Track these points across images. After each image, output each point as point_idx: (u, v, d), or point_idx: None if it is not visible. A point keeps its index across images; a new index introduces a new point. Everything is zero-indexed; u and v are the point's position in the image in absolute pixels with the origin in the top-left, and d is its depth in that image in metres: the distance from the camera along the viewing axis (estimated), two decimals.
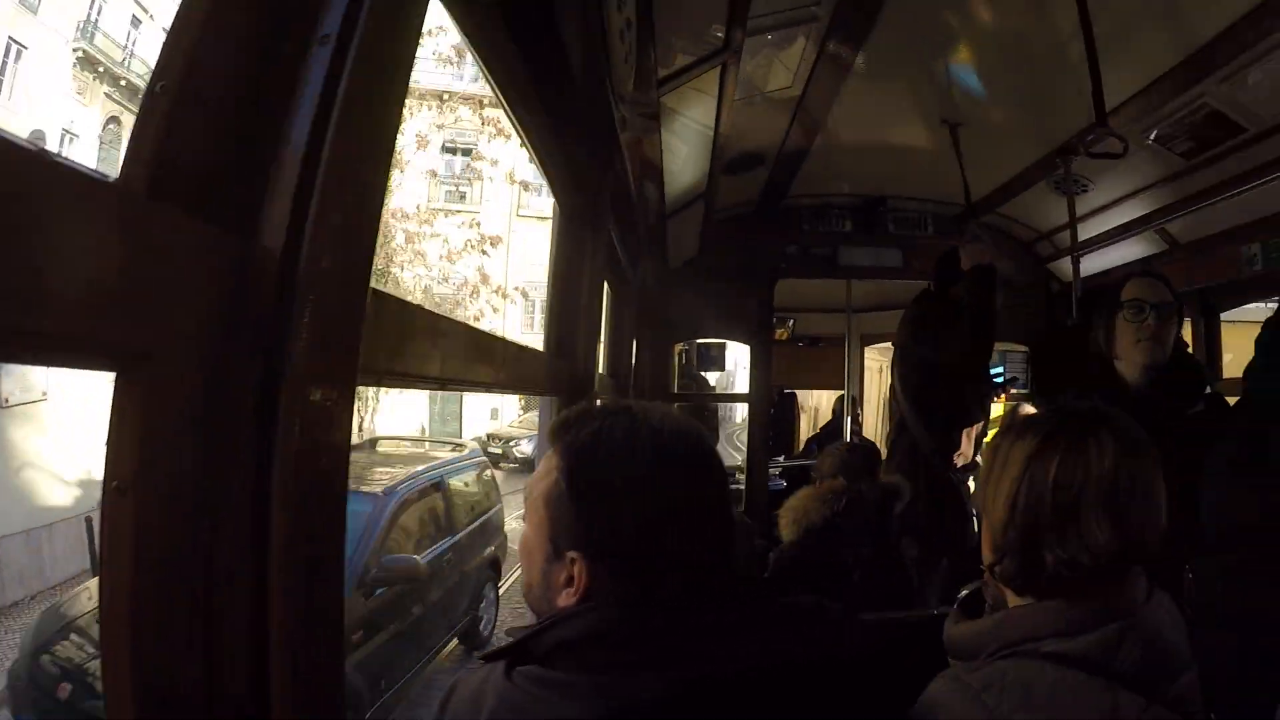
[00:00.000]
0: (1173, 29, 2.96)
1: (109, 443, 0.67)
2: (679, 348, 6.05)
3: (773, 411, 6.00)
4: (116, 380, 0.66)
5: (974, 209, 4.60)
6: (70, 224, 0.56)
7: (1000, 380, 4.67)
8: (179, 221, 0.68)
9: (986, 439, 4.88)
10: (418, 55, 0.96)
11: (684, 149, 3.33)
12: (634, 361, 4.99)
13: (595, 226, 2.40)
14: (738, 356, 6.30)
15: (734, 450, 11.02)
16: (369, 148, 0.86)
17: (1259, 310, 4.30)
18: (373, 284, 0.90)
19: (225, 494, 0.73)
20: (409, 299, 1.19)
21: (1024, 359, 6.14)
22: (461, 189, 22.48)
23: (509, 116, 1.85)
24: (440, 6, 1.31)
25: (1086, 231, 4.76)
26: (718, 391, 7.08)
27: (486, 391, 1.64)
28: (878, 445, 4.31)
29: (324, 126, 0.78)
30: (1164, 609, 1.31)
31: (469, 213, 19.32)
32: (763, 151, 4.34)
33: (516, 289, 19.08)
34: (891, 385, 4.37)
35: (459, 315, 15.78)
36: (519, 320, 22.28)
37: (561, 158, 2.22)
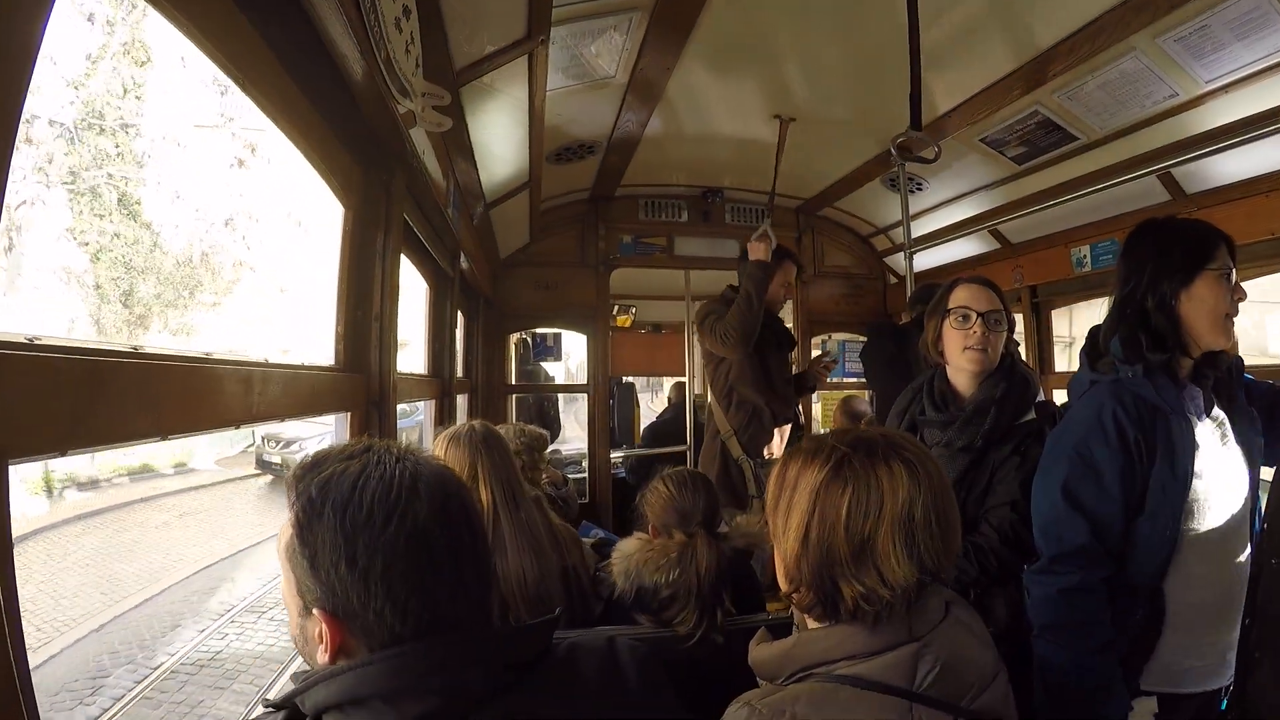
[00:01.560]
0: (1010, 39, 3.04)
1: None
2: (515, 338, 5.94)
3: (612, 402, 5.96)
4: None
5: (791, 205, 4.70)
6: None
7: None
8: None
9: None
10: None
11: (502, 138, 3.20)
12: (466, 356, 4.86)
13: (388, 227, 2.25)
14: (577, 346, 6.22)
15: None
16: None
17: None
18: None
19: None
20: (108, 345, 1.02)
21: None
22: None
23: (270, 116, 1.67)
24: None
25: (922, 228, 4.94)
26: (558, 382, 6.98)
27: (242, 426, 1.48)
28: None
29: None
30: (963, 626, 1.31)
31: None
32: (592, 140, 4.27)
33: None
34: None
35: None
36: None
37: (341, 159, 2.06)
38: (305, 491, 1.02)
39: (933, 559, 1.23)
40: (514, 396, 5.83)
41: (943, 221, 4.84)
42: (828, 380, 5.91)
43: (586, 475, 5.75)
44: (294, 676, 1.05)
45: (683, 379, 6.42)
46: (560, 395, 7.12)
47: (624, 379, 7.41)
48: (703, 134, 4.45)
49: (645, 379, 8.40)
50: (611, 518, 5.44)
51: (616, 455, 6.44)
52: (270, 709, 1.07)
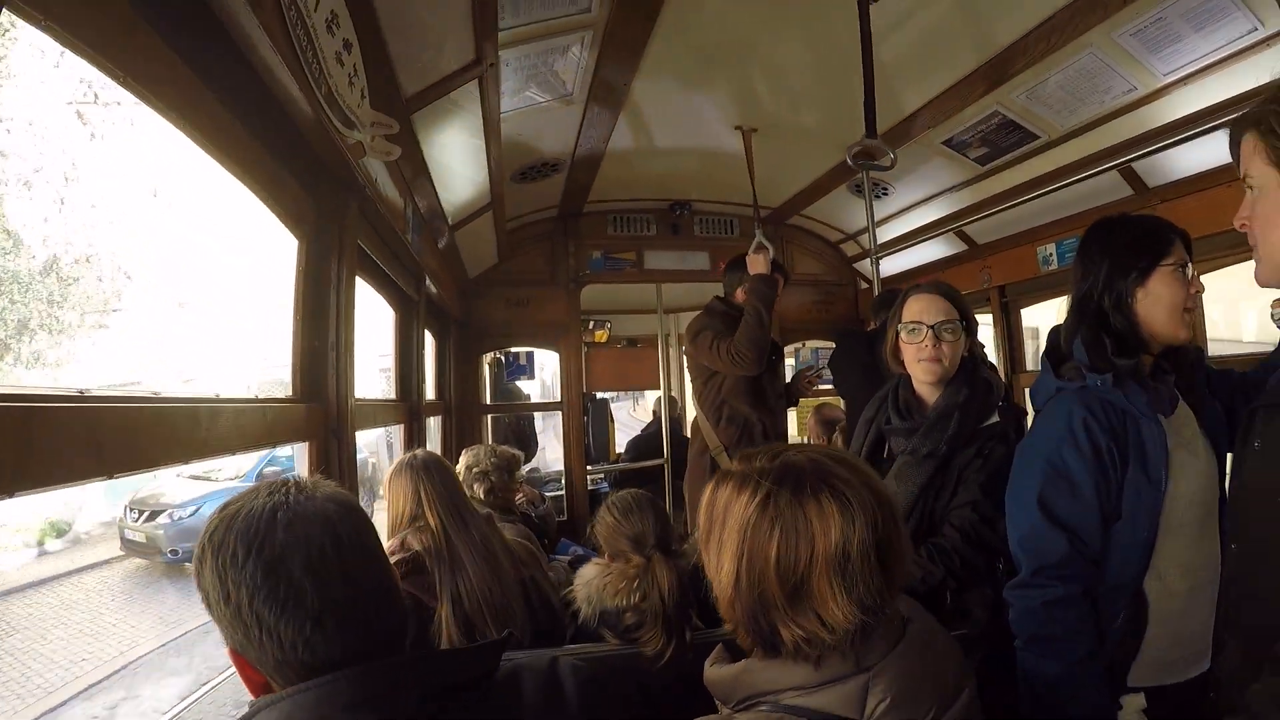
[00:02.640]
0: (968, 41, 3.08)
1: None
2: (488, 358, 5.94)
3: (586, 418, 5.98)
4: None
5: (761, 215, 4.74)
6: None
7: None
8: None
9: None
10: None
11: (460, 162, 3.22)
12: (438, 378, 4.86)
13: (342, 256, 2.26)
14: (551, 364, 6.24)
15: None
16: None
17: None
18: None
19: None
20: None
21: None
22: None
23: (215, 157, 1.69)
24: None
25: (890, 232, 4.99)
26: (533, 400, 6.98)
27: (193, 461, 1.50)
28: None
29: None
30: (921, 643, 1.28)
31: None
32: (556, 158, 4.30)
33: None
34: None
35: None
36: None
37: (290, 192, 2.07)
38: (199, 540, 1.07)
39: (874, 596, 1.18)
40: (489, 416, 5.84)
41: (910, 225, 4.89)
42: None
43: (563, 492, 5.76)
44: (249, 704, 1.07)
45: (658, 392, 6.45)
46: (538, 413, 7.11)
47: (597, 395, 7.43)
48: (667, 147, 4.48)
49: (625, 391, 8.39)
50: (590, 535, 5.43)
51: (595, 472, 6.45)
52: None
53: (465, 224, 3.93)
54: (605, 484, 6.57)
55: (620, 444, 7.60)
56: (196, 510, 12.01)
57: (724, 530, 1.24)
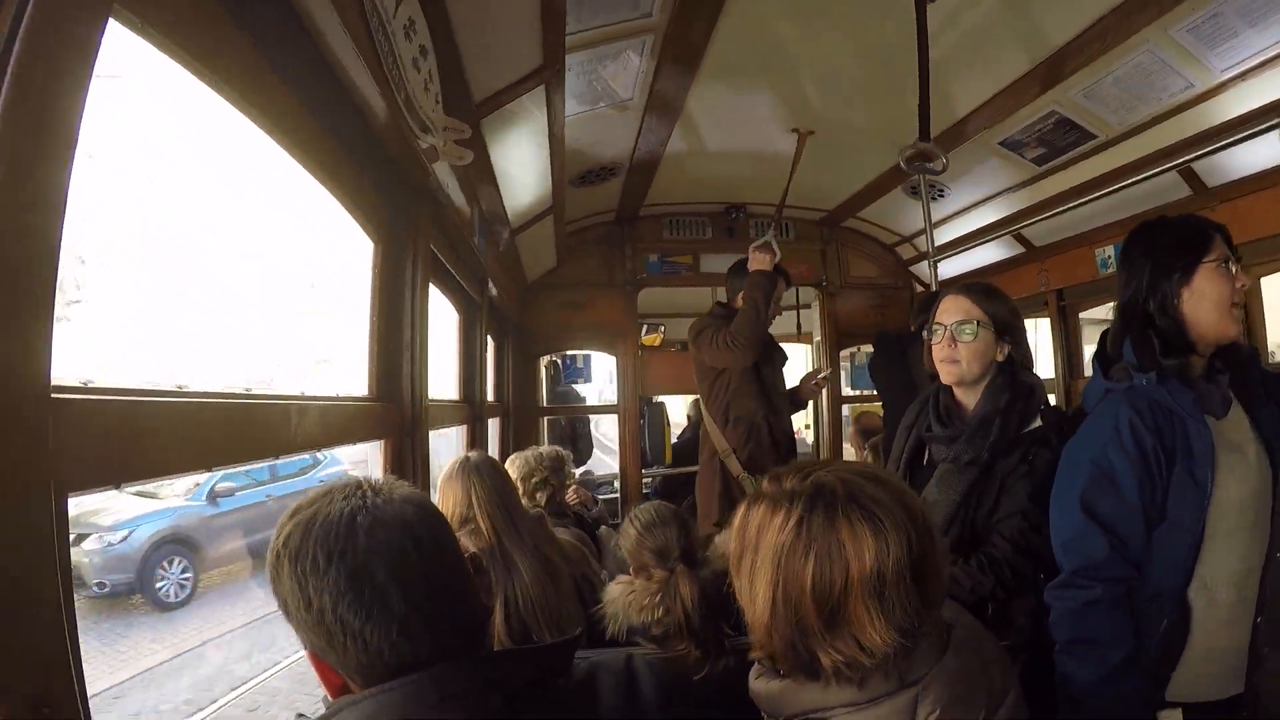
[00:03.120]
0: (1022, 40, 3.04)
1: None
2: (545, 361, 5.99)
3: (643, 422, 5.99)
4: None
5: (781, 214, 4.91)
6: None
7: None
8: None
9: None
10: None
11: (524, 166, 3.27)
12: (496, 380, 4.91)
13: (417, 257, 2.31)
14: (608, 367, 6.28)
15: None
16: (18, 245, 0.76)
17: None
18: None
19: None
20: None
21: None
22: None
23: (300, 161, 1.74)
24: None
25: (946, 235, 4.90)
26: (589, 403, 7.03)
27: (283, 456, 1.55)
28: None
29: None
30: (968, 651, 1.27)
31: None
32: (614, 162, 4.33)
33: None
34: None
35: None
36: None
37: (369, 193, 2.13)
38: (272, 546, 1.07)
39: (911, 618, 1.16)
40: (546, 419, 5.89)
41: (966, 227, 4.82)
42: (838, 391, 5.97)
43: (618, 495, 5.78)
44: (326, 702, 1.09)
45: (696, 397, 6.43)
46: (591, 416, 7.14)
47: (654, 398, 7.45)
48: (723, 151, 4.49)
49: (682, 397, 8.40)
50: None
51: (648, 475, 6.45)
52: None
53: (526, 228, 3.98)
54: (651, 491, 6.55)
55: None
56: (129, 534, 9.94)
57: (757, 556, 1.23)
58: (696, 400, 6.53)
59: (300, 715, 1.16)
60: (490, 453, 2.79)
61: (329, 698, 1.10)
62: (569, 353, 6.59)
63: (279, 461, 9.91)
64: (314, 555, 1.03)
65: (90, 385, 1.01)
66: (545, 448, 3.67)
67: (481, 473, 2.51)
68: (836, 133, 4.13)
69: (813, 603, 1.16)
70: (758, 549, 1.23)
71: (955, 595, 2.09)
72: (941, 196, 4.66)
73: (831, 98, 3.80)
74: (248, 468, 10.08)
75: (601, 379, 6.85)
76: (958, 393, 2.41)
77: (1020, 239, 4.69)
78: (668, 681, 1.21)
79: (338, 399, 1.95)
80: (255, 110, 1.47)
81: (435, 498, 2.61)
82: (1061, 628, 1.90)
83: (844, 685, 1.19)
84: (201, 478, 10.47)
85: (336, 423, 1.83)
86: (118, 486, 1.03)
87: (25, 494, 0.78)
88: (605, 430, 5.90)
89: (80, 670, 0.93)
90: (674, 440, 7.39)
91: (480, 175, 2.88)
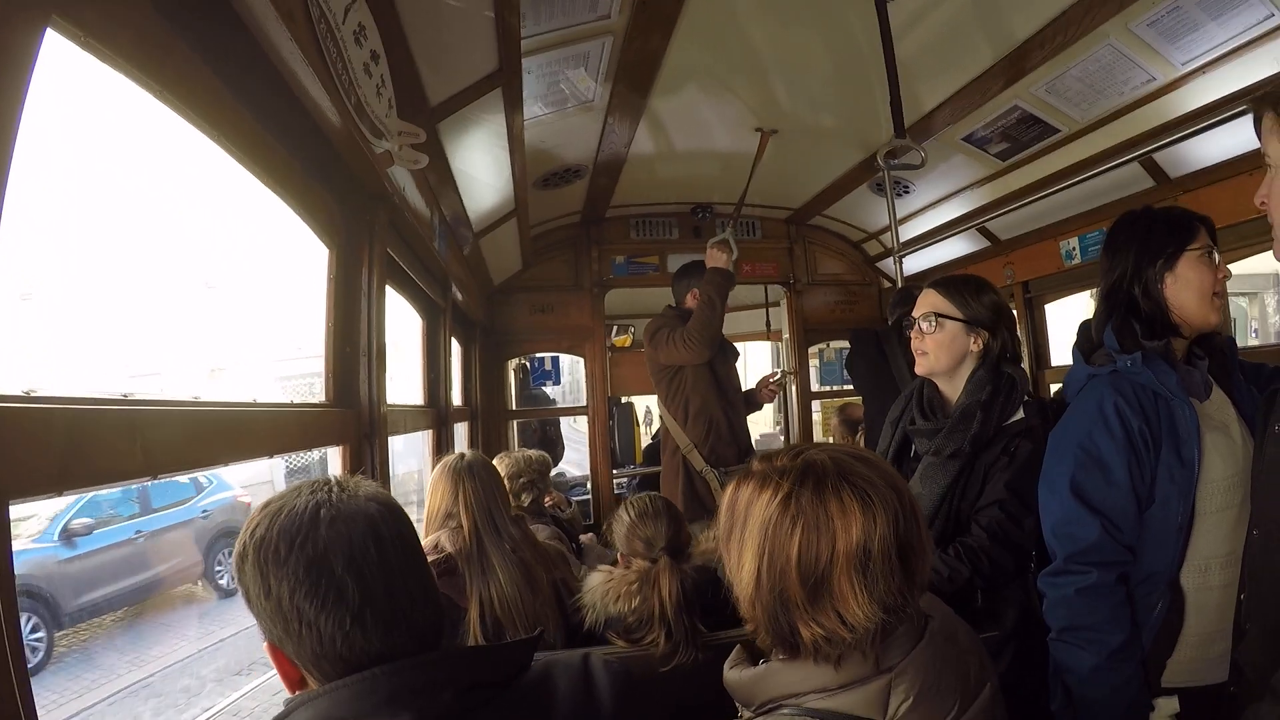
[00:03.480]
0: (985, 36, 3.08)
1: None
2: (513, 364, 5.99)
3: (612, 423, 6.02)
4: None
5: (739, 212, 4.90)
6: None
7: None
8: None
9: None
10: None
11: (484, 170, 3.26)
12: (464, 383, 4.91)
13: (372, 262, 2.31)
14: (577, 368, 6.29)
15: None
16: None
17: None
18: None
19: None
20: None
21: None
22: None
23: (249, 169, 1.73)
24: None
25: (912, 230, 4.97)
26: (559, 405, 7.03)
27: (239, 461, 1.55)
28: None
29: None
30: (943, 640, 1.27)
31: None
32: (579, 164, 4.34)
33: None
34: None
35: None
36: None
37: (321, 202, 2.12)
38: (240, 538, 1.10)
39: (895, 595, 1.17)
40: (515, 422, 5.89)
41: (932, 223, 4.87)
42: (818, 388, 6.00)
43: (590, 497, 5.80)
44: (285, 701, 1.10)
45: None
46: (562, 418, 7.14)
47: (622, 399, 7.45)
48: (688, 151, 4.51)
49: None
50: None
51: (619, 475, 6.47)
52: None
53: (489, 231, 3.97)
54: (626, 490, 6.59)
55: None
56: None
57: (745, 530, 1.24)
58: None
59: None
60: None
61: (288, 692, 1.12)
62: (537, 355, 6.58)
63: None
64: (276, 545, 1.06)
65: (32, 394, 1.01)
66: (533, 451, 3.71)
67: (474, 473, 2.53)
68: (801, 131, 4.17)
69: (797, 575, 1.17)
70: (746, 523, 1.24)
71: (934, 585, 2.09)
72: (907, 193, 4.71)
73: (795, 97, 3.83)
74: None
75: (571, 381, 6.86)
76: (941, 386, 2.48)
77: (985, 233, 4.75)
78: (624, 681, 1.22)
79: (290, 406, 1.95)
80: (199, 117, 1.46)
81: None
82: (1056, 614, 1.92)
83: (821, 664, 1.20)
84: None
85: (289, 429, 1.83)
86: (59, 493, 1.03)
87: None
88: (579, 425, 5.90)
89: (26, 679, 0.93)
90: (650, 440, 7.41)
91: (439, 179, 2.88)
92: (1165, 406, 1.88)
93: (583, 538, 4.16)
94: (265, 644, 1.11)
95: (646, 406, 8.74)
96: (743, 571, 1.23)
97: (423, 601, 1.12)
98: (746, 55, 3.40)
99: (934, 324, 2.39)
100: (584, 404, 5.77)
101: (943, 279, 2.48)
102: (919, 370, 2.46)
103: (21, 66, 0.94)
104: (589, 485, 5.87)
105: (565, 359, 6.76)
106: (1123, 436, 1.87)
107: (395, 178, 2.31)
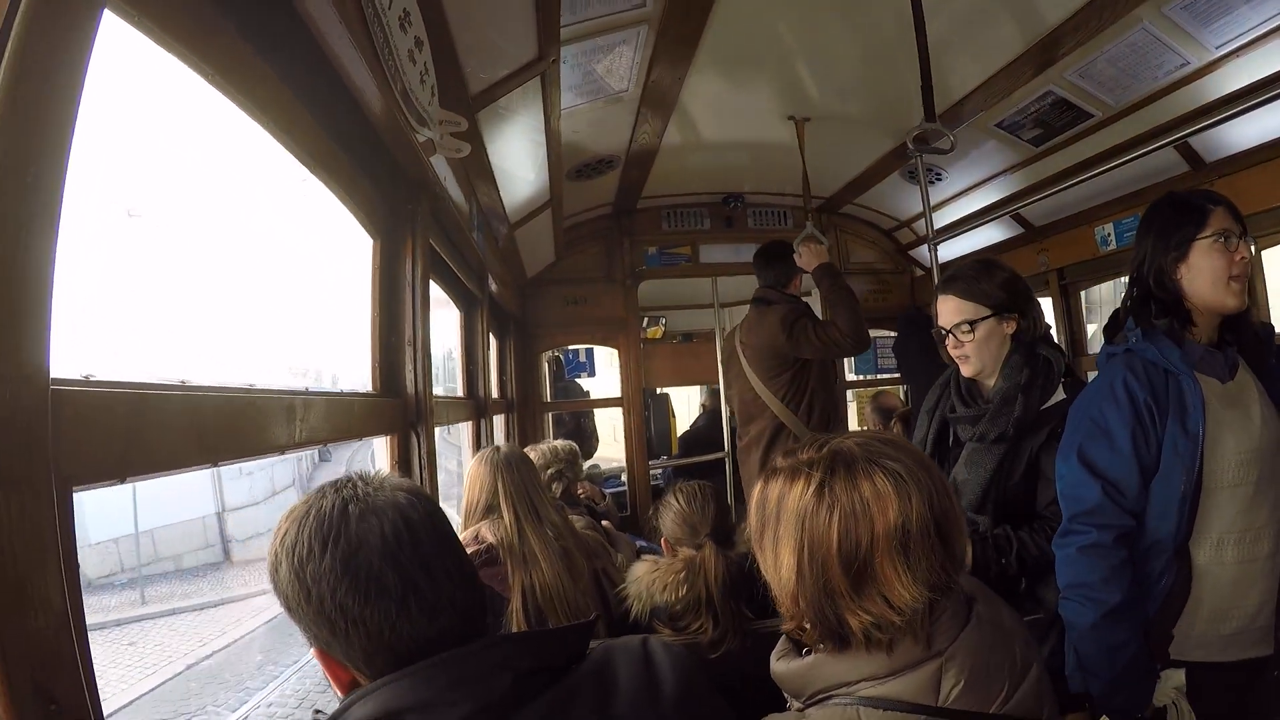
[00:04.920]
0: (1017, 20, 3.04)
1: None
2: (547, 356, 6.00)
3: (647, 414, 6.01)
4: None
5: (813, 205, 4.76)
6: None
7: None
8: None
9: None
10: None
11: (521, 160, 3.26)
12: (500, 376, 4.92)
13: (415, 252, 2.31)
14: (611, 360, 6.28)
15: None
16: (13, 244, 0.77)
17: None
18: None
19: None
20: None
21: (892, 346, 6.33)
22: None
23: (296, 155, 1.73)
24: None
25: (945, 218, 4.91)
26: (593, 397, 7.02)
27: (296, 450, 1.55)
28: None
29: None
30: (989, 624, 1.26)
31: None
32: (611, 155, 4.32)
33: None
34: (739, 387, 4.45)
35: None
36: None
37: (366, 189, 2.12)
38: (270, 548, 1.10)
39: (937, 572, 1.16)
40: (550, 414, 5.90)
41: (965, 210, 4.81)
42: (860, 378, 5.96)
43: (626, 488, 5.79)
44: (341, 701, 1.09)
45: (716, 386, 6.42)
46: (596, 410, 7.14)
47: (658, 390, 7.44)
48: (719, 141, 4.49)
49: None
50: (651, 531, 5.44)
51: (655, 467, 6.45)
52: None
53: (524, 223, 3.97)
54: (662, 481, 6.53)
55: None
56: None
57: (779, 525, 1.22)
58: (715, 390, 6.53)
59: (318, 712, 1.15)
60: None
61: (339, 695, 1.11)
62: (571, 347, 6.58)
63: None
64: (310, 546, 1.04)
65: (92, 379, 1.00)
66: (560, 441, 3.70)
67: (511, 464, 2.53)
68: (832, 119, 4.14)
69: (839, 564, 1.15)
70: (779, 518, 1.22)
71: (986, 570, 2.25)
72: (939, 180, 4.65)
73: (827, 84, 3.81)
74: None
75: (605, 373, 6.84)
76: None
77: (1019, 220, 4.69)
78: (685, 662, 1.20)
79: (341, 394, 1.95)
80: (250, 103, 1.47)
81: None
82: (1063, 573, 2.03)
83: (874, 652, 1.18)
84: None
85: (341, 418, 1.83)
86: (122, 480, 1.03)
87: (25, 488, 0.78)
88: (615, 427, 5.93)
89: (90, 667, 0.93)
90: (685, 430, 7.39)
91: (477, 170, 2.88)
92: (1174, 381, 1.96)
93: (604, 523, 4.12)
94: (314, 651, 1.11)
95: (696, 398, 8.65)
96: (781, 567, 1.22)
97: (463, 584, 1.12)
98: (779, 42, 3.38)
99: (969, 329, 2.40)
100: (617, 395, 5.77)
101: (951, 280, 2.52)
102: (967, 373, 2.48)
103: (82, 45, 0.93)
104: (624, 477, 5.87)
105: (599, 351, 6.75)
106: (1128, 408, 1.97)
107: (435, 168, 2.31)
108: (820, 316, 4.27)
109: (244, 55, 1.44)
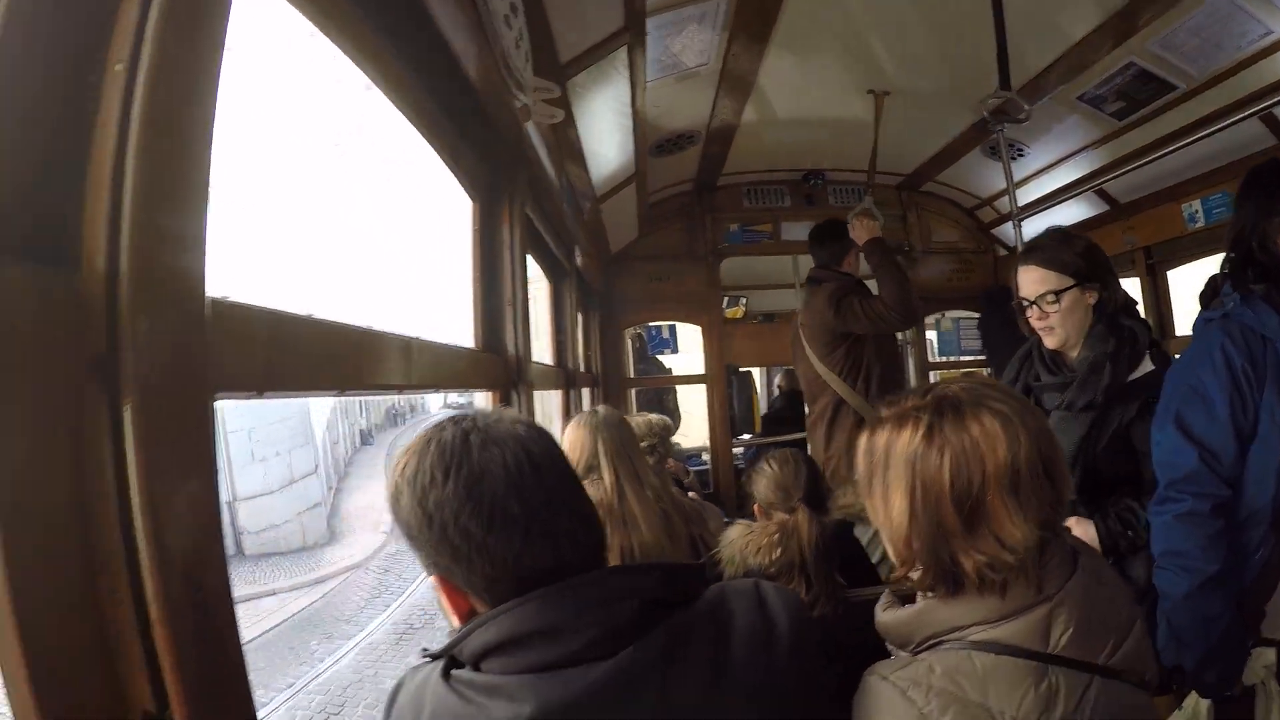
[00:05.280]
0: None
1: None
2: (630, 332, 6.06)
3: (730, 391, 6.03)
4: None
5: (878, 180, 4.75)
6: None
7: None
8: None
9: None
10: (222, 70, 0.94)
11: (605, 133, 3.32)
12: (585, 350, 4.99)
13: (513, 218, 2.39)
14: (693, 337, 6.32)
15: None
16: (179, 168, 0.84)
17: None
18: None
19: (89, 499, 0.76)
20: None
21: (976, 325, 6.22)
22: None
23: (405, 115, 1.82)
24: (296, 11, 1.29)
25: (1027, 195, 4.82)
26: (674, 374, 7.07)
27: (401, 392, 1.64)
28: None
29: (123, 154, 0.78)
30: (1093, 577, 1.26)
31: None
32: (692, 130, 4.37)
33: None
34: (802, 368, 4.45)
35: None
36: None
37: (467, 152, 2.21)
38: (390, 481, 1.13)
39: (1047, 511, 1.18)
40: (632, 390, 5.97)
41: (1047, 188, 4.73)
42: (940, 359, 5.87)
43: (709, 465, 5.82)
44: (450, 631, 1.13)
45: (788, 366, 6.41)
46: (679, 389, 7.19)
47: (739, 368, 7.46)
48: (798, 117, 4.49)
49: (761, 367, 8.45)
50: (735, 508, 5.47)
51: (738, 445, 6.46)
52: (428, 658, 1.15)
53: (608, 197, 4.03)
54: (742, 461, 6.49)
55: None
56: None
57: (889, 470, 1.24)
58: (789, 370, 6.52)
59: (425, 649, 1.21)
60: None
61: (452, 623, 1.14)
62: (655, 324, 6.64)
63: None
64: (432, 474, 1.07)
65: (228, 299, 1.07)
66: (654, 415, 3.75)
67: (610, 425, 2.58)
68: (912, 93, 4.11)
69: (952, 503, 1.17)
70: (888, 464, 1.24)
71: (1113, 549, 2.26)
72: (1021, 155, 4.57)
73: (905, 57, 3.79)
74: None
75: (687, 349, 6.88)
76: None
77: (1103, 196, 4.58)
78: (796, 604, 1.23)
79: (449, 346, 2.02)
80: (364, 61, 1.55)
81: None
82: (1157, 541, 2.01)
83: (986, 595, 1.20)
84: None
85: (448, 367, 1.91)
86: (260, 394, 1.09)
87: (183, 391, 0.85)
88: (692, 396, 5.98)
89: (225, 562, 0.99)
90: (767, 409, 7.40)
91: (566, 140, 2.94)
92: (1273, 349, 1.93)
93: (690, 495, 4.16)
94: (434, 578, 1.13)
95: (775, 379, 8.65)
96: (893, 511, 1.23)
97: (583, 519, 1.14)
98: (856, 15, 3.38)
99: (1054, 299, 2.37)
100: (700, 372, 5.80)
101: (1032, 249, 2.48)
102: (1051, 345, 2.44)
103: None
104: (704, 456, 5.90)
105: (681, 327, 6.79)
106: (1226, 374, 1.94)
107: (530, 136, 2.38)
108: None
109: (356, 16, 1.53)
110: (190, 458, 0.85)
